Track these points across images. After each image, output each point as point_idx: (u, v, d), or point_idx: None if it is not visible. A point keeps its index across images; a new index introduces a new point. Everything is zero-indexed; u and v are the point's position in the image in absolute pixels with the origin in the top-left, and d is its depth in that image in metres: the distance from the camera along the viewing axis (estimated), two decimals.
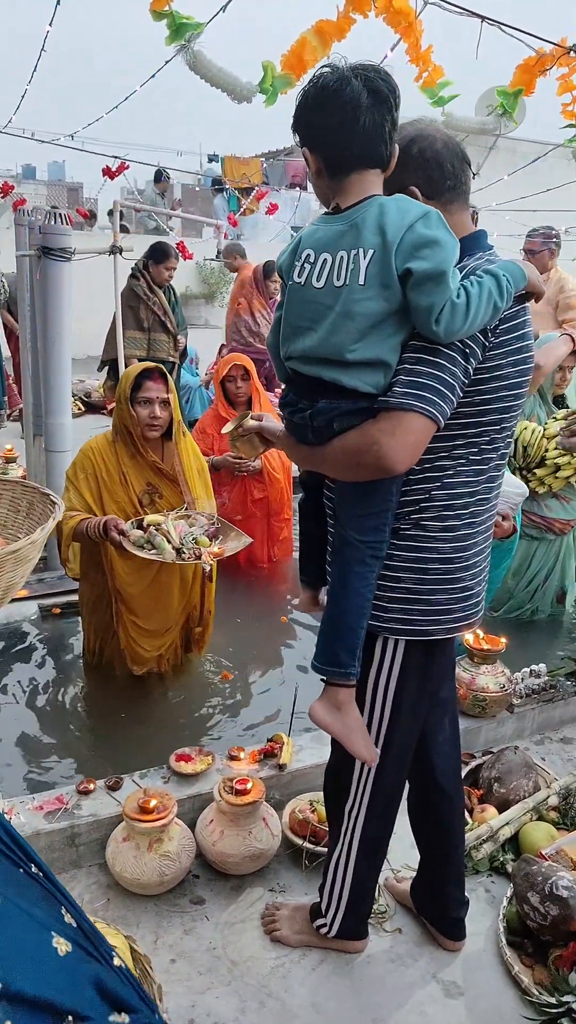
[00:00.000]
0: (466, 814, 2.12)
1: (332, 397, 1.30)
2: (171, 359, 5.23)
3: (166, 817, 1.89)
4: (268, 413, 1.80)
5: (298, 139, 1.30)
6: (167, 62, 3.47)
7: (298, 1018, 1.65)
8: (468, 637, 2.57)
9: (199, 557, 2.45)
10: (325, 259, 1.27)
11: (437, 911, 1.84)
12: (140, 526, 2.52)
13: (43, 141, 6.98)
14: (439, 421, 1.25)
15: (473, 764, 2.39)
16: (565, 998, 1.61)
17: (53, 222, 3.24)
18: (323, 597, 1.60)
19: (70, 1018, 0.45)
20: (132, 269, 5.09)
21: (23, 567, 1.50)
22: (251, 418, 1.69)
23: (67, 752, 2.53)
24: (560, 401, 3.34)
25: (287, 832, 2.06)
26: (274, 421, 1.68)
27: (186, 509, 2.67)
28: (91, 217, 10.97)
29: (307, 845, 2.01)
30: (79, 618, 2.96)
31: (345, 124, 1.21)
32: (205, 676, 3.00)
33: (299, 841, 2.02)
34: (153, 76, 3.84)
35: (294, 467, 3.09)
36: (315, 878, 1.90)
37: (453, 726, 1.75)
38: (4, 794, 2.15)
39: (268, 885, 2.00)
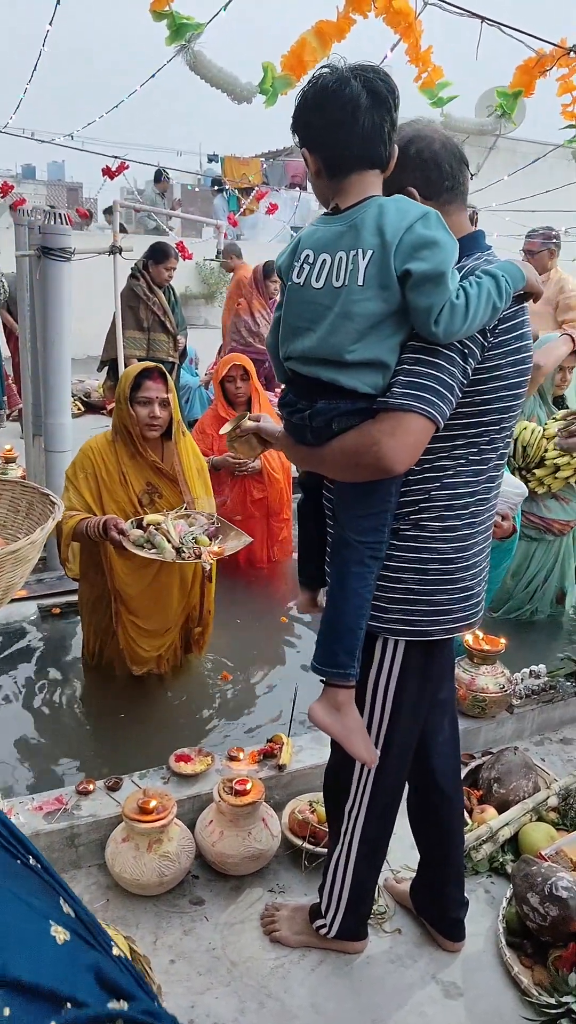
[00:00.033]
0: (466, 815, 2.12)
1: (331, 397, 1.30)
2: (171, 359, 5.23)
3: (165, 818, 1.88)
4: (267, 414, 1.80)
5: (297, 140, 1.30)
6: (167, 62, 3.47)
7: (297, 1019, 1.65)
8: (468, 638, 2.57)
9: (199, 556, 2.45)
10: (324, 260, 1.27)
11: (437, 912, 1.84)
12: (140, 525, 2.52)
13: (43, 141, 6.98)
14: (438, 421, 1.25)
15: (473, 765, 2.39)
16: (564, 999, 1.60)
17: (53, 222, 3.24)
18: (322, 598, 1.60)
19: (68, 1004, 0.45)
20: (132, 269, 5.09)
21: (23, 567, 1.50)
22: (248, 419, 1.69)
23: (67, 752, 2.53)
24: (560, 402, 3.34)
25: (287, 833, 2.06)
26: (272, 422, 1.68)
27: (186, 509, 2.67)
28: (89, 217, 10.98)
29: (307, 846, 2.00)
30: (79, 618, 2.95)
31: (344, 124, 1.21)
32: (205, 677, 3.00)
33: (299, 842, 2.02)
34: (153, 76, 3.85)
35: (294, 467, 3.09)
36: (315, 879, 1.90)
37: (452, 727, 1.75)
38: (4, 794, 2.15)
39: (268, 886, 2.00)
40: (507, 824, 2.11)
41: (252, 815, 1.97)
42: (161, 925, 1.86)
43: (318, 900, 1.78)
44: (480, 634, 2.59)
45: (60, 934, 0.51)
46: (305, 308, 1.31)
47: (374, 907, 1.87)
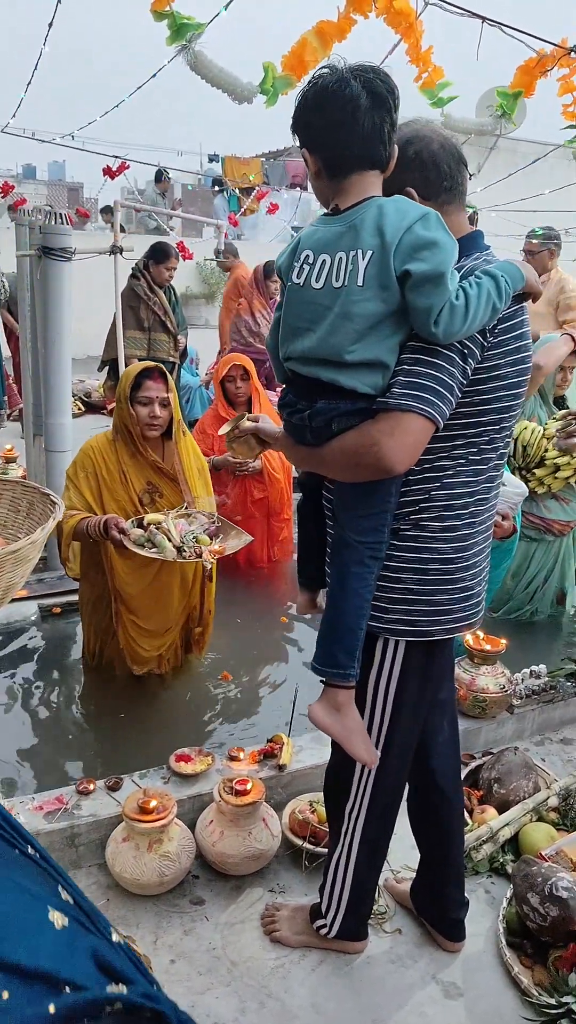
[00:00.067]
0: (466, 815, 2.12)
1: (330, 398, 1.30)
2: (171, 359, 5.23)
3: (166, 817, 1.88)
4: (265, 414, 1.80)
5: (297, 140, 1.30)
6: (168, 62, 3.47)
7: (298, 1019, 1.65)
8: (468, 638, 2.57)
9: (200, 555, 2.45)
10: (324, 260, 1.27)
11: (437, 912, 1.84)
12: (140, 525, 2.52)
13: (43, 141, 6.97)
14: (438, 422, 1.25)
15: (473, 765, 2.39)
16: (565, 999, 1.60)
17: (53, 222, 3.24)
18: (321, 599, 1.60)
19: (67, 988, 0.45)
20: (132, 269, 5.09)
21: (23, 567, 1.50)
22: (247, 419, 1.69)
23: (67, 752, 2.53)
24: (561, 402, 3.34)
25: (287, 833, 2.06)
26: (270, 422, 1.68)
27: (186, 508, 2.67)
28: (89, 217, 10.98)
29: (307, 846, 2.01)
30: (79, 618, 2.96)
31: (344, 125, 1.21)
32: (205, 676, 3.00)
33: (299, 842, 2.02)
34: (153, 76, 3.84)
35: (294, 467, 3.09)
36: (315, 879, 1.90)
37: (452, 727, 1.75)
38: (4, 794, 2.15)
39: (268, 886, 2.00)
40: (507, 824, 2.11)
41: (252, 815, 1.97)
42: (161, 925, 1.86)
43: (318, 900, 1.78)
44: (480, 634, 2.59)
45: (58, 919, 0.51)
46: (305, 308, 1.31)
47: (374, 907, 1.87)
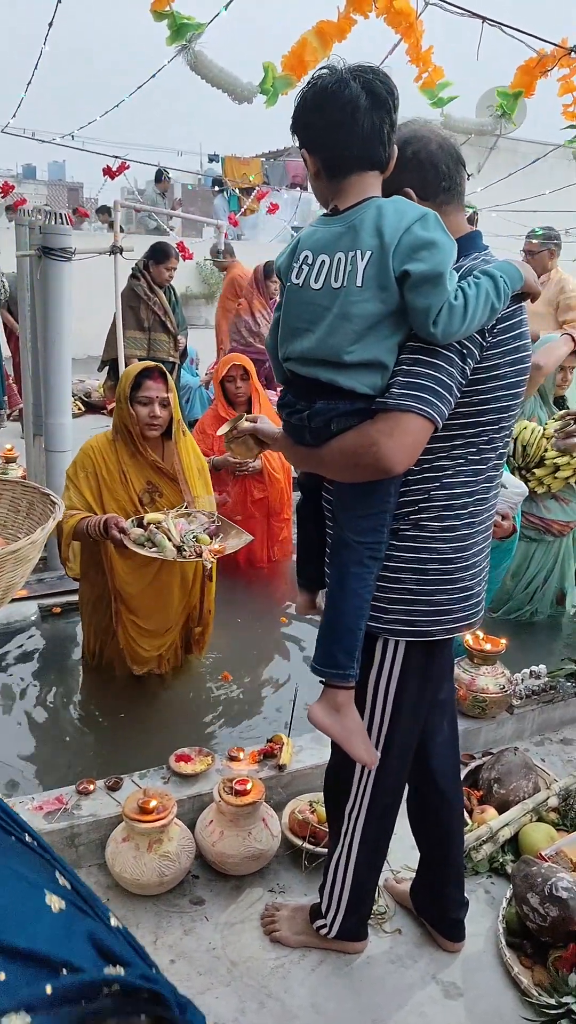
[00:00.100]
0: (466, 815, 2.12)
1: (329, 398, 1.30)
2: (171, 359, 5.23)
3: (166, 817, 1.89)
4: (264, 415, 1.80)
5: (297, 140, 1.30)
6: (168, 62, 3.47)
7: (298, 1019, 1.65)
8: (468, 638, 2.57)
9: (200, 555, 2.45)
10: (323, 260, 1.27)
11: (437, 912, 1.84)
12: (140, 524, 2.52)
13: (43, 141, 6.97)
14: (437, 422, 1.25)
15: (473, 765, 2.39)
16: (564, 999, 1.60)
17: (53, 222, 3.24)
18: (320, 600, 1.60)
19: (64, 970, 0.46)
20: (132, 269, 5.09)
21: (23, 567, 1.50)
22: (246, 420, 1.69)
23: (67, 752, 2.53)
24: (561, 402, 3.34)
25: (287, 833, 2.06)
26: (269, 423, 1.68)
27: (186, 507, 2.67)
28: (89, 216, 10.97)
29: (307, 846, 2.01)
30: (79, 618, 2.96)
31: (344, 125, 1.22)
32: (205, 677, 3.00)
33: (299, 842, 2.02)
34: (153, 76, 3.84)
35: (293, 468, 3.09)
36: (315, 879, 1.90)
37: (452, 727, 1.75)
38: (4, 794, 2.15)
39: (268, 886, 2.00)
40: (507, 824, 2.11)
41: (252, 815, 1.97)
42: (161, 925, 1.86)
43: (318, 900, 1.78)
44: (480, 634, 2.59)
45: (55, 903, 0.51)
46: (304, 309, 1.31)
47: (374, 907, 1.87)
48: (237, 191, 10.69)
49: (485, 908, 1.96)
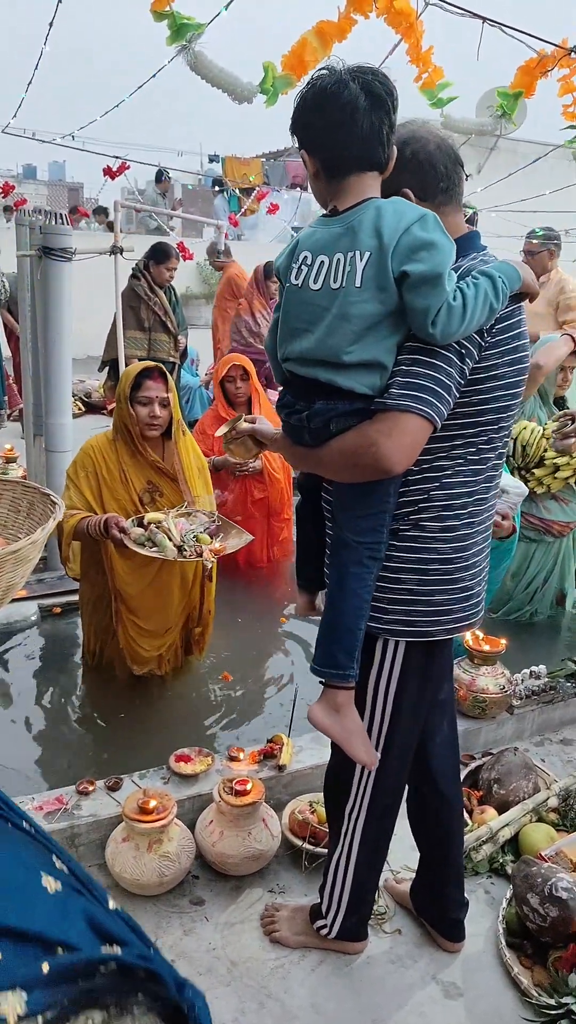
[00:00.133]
0: (466, 815, 2.12)
1: (329, 398, 1.30)
2: (171, 359, 5.23)
3: (166, 818, 1.89)
4: (263, 416, 1.81)
5: (296, 141, 1.30)
6: (168, 62, 3.47)
7: (297, 1019, 1.65)
8: (468, 638, 2.57)
9: (200, 554, 2.45)
10: (322, 261, 1.27)
11: (437, 912, 1.84)
12: (141, 524, 2.52)
13: (44, 141, 6.97)
14: (436, 422, 1.25)
15: (473, 765, 2.39)
16: (564, 1000, 1.60)
17: (54, 222, 3.24)
18: (320, 602, 1.60)
19: (60, 949, 0.46)
20: (133, 269, 5.09)
21: (23, 567, 1.50)
22: (244, 420, 1.69)
23: (67, 752, 2.54)
24: (561, 402, 3.34)
25: (287, 833, 2.06)
26: (267, 423, 1.69)
27: (187, 507, 2.67)
28: (89, 216, 10.97)
29: (307, 846, 2.01)
30: (79, 618, 2.96)
31: (343, 126, 1.22)
32: (205, 677, 3.00)
33: (299, 842, 2.02)
34: (154, 76, 3.84)
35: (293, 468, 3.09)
36: (315, 879, 1.90)
37: (451, 727, 1.75)
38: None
39: (268, 886, 2.00)
40: (507, 825, 2.11)
41: (252, 815, 1.97)
42: (161, 925, 1.86)
43: (318, 900, 1.78)
44: (480, 635, 2.59)
45: (51, 884, 0.51)
46: (303, 309, 1.31)
47: (374, 907, 1.87)
48: (237, 191, 10.69)
49: (485, 908, 1.96)
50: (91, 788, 2.07)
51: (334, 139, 1.23)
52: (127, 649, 2.71)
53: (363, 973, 1.77)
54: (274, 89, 3.52)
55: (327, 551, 1.52)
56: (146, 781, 2.13)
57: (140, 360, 4.49)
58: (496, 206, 6.71)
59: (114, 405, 2.76)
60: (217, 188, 11.05)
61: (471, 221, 4.45)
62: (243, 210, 10.08)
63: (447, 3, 3.21)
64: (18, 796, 2.11)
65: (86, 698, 2.83)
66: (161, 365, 2.67)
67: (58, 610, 3.32)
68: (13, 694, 2.82)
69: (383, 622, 1.43)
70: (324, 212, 1.32)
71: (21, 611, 3.24)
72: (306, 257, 1.30)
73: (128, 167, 5.88)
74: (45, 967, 0.44)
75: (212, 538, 2.56)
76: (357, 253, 1.23)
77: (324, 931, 1.77)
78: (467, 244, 1.37)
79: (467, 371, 1.29)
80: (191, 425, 3.78)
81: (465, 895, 1.84)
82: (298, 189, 11.44)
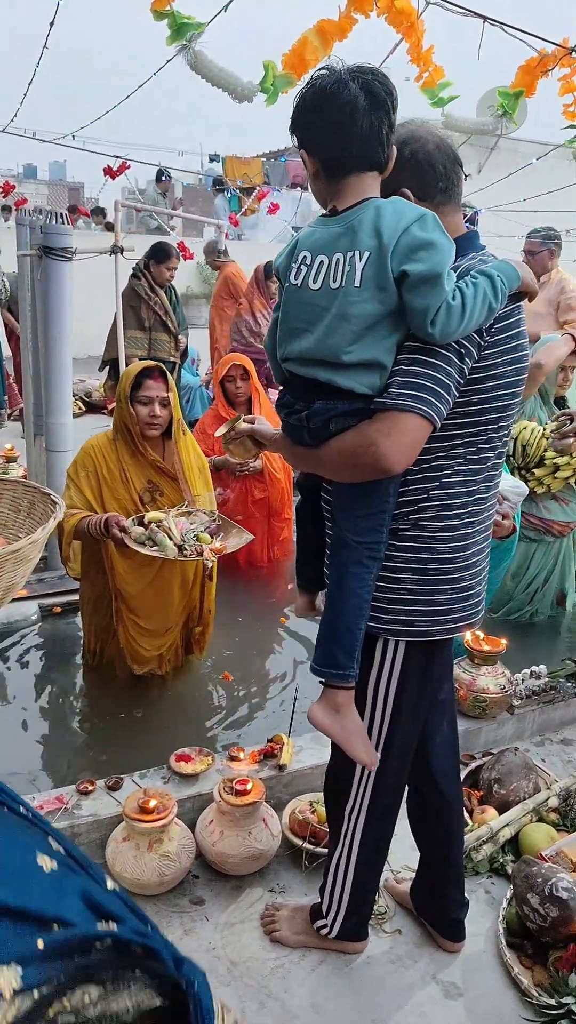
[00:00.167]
0: (466, 815, 2.12)
1: (328, 398, 1.30)
2: (172, 359, 5.23)
3: (166, 817, 1.88)
4: (262, 416, 1.81)
5: (296, 141, 1.30)
6: (168, 62, 3.47)
7: (298, 1019, 1.65)
8: (468, 638, 2.57)
9: (201, 553, 2.45)
10: (322, 261, 1.27)
11: (437, 912, 1.84)
12: (141, 523, 2.52)
13: (44, 141, 6.98)
14: (435, 421, 1.25)
15: (473, 765, 2.39)
16: (565, 1000, 1.60)
17: (54, 222, 3.24)
18: (320, 602, 1.60)
19: (55, 926, 0.46)
20: (133, 269, 5.09)
21: (24, 567, 1.50)
22: (243, 421, 1.69)
23: (67, 752, 2.54)
24: (561, 402, 3.34)
25: (287, 833, 2.06)
26: (266, 423, 1.69)
27: (187, 506, 2.67)
28: (90, 216, 10.97)
29: (307, 846, 2.01)
30: (79, 618, 2.96)
31: (343, 126, 1.22)
32: (205, 676, 3.00)
33: (299, 842, 2.02)
34: (154, 75, 3.84)
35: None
36: (315, 879, 1.90)
37: (452, 727, 1.75)
38: None
39: (268, 886, 2.00)
40: (507, 825, 2.11)
41: (252, 815, 1.97)
42: (161, 925, 1.86)
43: (318, 900, 1.78)
44: (481, 635, 2.59)
45: (47, 863, 0.52)
46: (302, 309, 1.31)
47: (375, 907, 1.87)
48: (238, 191, 10.70)
49: (485, 908, 1.95)
50: (91, 788, 2.07)
51: (333, 139, 1.23)
52: (127, 648, 2.71)
53: (363, 973, 1.77)
54: (274, 88, 3.52)
55: (327, 551, 1.51)
56: (146, 781, 2.13)
57: (140, 360, 4.49)
58: (496, 206, 6.70)
59: (114, 405, 2.76)
60: (218, 188, 11.05)
61: (472, 221, 4.45)
62: (243, 210, 10.08)
63: (448, 2, 3.21)
64: None
65: (86, 698, 2.83)
66: (161, 364, 2.68)
67: (58, 610, 3.32)
68: (13, 694, 2.82)
69: (383, 622, 1.43)
70: (324, 212, 1.32)
71: (21, 611, 3.24)
72: (305, 257, 1.30)
73: (128, 167, 5.89)
74: (40, 943, 0.44)
75: (212, 537, 2.56)
76: (356, 253, 1.22)
77: (324, 931, 1.77)
78: (466, 244, 1.37)
79: (466, 371, 1.29)
80: (192, 425, 3.79)
81: (465, 895, 1.84)
82: (298, 189, 11.44)
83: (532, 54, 3.62)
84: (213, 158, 14.06)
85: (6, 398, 6.76)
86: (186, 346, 5.53)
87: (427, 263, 1.19)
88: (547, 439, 3.12)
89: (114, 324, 4.64)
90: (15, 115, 5.72)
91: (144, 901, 1.91)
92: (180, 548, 2.44)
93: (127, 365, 4.13)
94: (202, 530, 2.56)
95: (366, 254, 1.22)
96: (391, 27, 3.36)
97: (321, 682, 1.42)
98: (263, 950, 1.80)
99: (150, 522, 2.51)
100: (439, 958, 1.82)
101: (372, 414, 1.27)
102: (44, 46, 3.96)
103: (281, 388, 1.44)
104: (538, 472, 3.16)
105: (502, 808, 2.19)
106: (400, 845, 1.90)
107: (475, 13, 3.28)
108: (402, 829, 1.75)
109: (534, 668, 2.73)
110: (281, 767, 2.19)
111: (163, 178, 10.59)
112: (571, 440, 3.05)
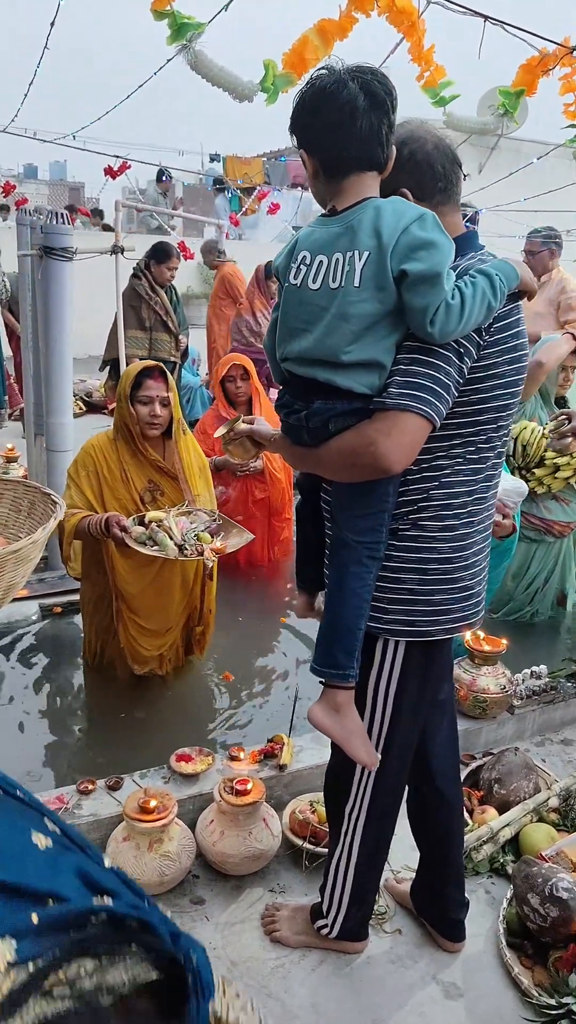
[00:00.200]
0: (466, 815, 2.11)
1: (327, 398, 1.30)
2: (172, 359, 5.24)
3: (166, 817, 1.89)
4: (262, 416, 1.81)
5: (295, 141, 1.30)
6: (168, 62, 3.47)
7: (298, 1019, 1.65)
8: (468, 638, 2.57)
9: (201, 553, 2.45)
10: (321, 261, 1.27)
11: (437, 912, 1.84)
12: (142, 523, 2.52)
13: (45, 141, 6.98)
14: (435, 421, 1.25)
15: (473, 765, 2.39)
16: (565, 1000, 1.60)
17: (55, 222, 3.24)
18: (319, 603, 1.60)
19: (50, 901, 0.47)
20: (134, 269, 5.09)
21: (24, 567, 1.51)
22: (243, 421, 1.69)
23: (67, 752, 2.54)
24: (562, 402, 3.34)
25: (287, 833, 2.06)
26: (266, 424, 1.69)
27: (188, 506, 2.67)
28: (91, 216, 10.97)
29: (307, 846, 2.01)
30: (80, 618, 2.96)
31: (342, 126, 1.21)
32: (205, 676, 3.00)
33: (299, 842, 2.02)
34: (154, 75, 3.84)
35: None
36: (315, 879, 1.90)
37: (452, 727, 1.75)
38: None
39: (268, 885, 2.00)
40: (508, 825, 2.11)
41: (253, 815, 1.97)
42: None
43: (319, 900, 1.78)
44: (481, 635, 2.59)
45: (41, 841, 0.52)
46: (302, 309, 1.31)
47: (375, 907, 1.87)
48: (238, 191, 10.69)
49: (485, 908, 1.95)
50: (92, 787, 2.07)
51: (333, 139, 1.23)
52: (128, 648, 2.71)
53: (363, 973, 1.77)
54: (275, 87, 3.52)
55: (327, 551, 1.51)
56: (147, 780, 2.13)
57: (141, 359, 4.49)
58: (497, 206, 6.70)
59: (115, 404, 2.76)
60: (218, 187, 11.04)
61: (472, 221, 4.45)
62: (244, 210, 10.07)
63: (449, 1, 3.20)
64: None
65: (87, 698, 2.83)
66: (162, 364, 2.68)
67: (59, 610, 3.32)
68: (13, 694, 2.82)
69: (383, 622, 1.42)
70: (323, 212, 1.32)
71: (22, 611, 3.24)
72: (305, 257, 1.30)
73: (129, 166, 5.89)
74: (35, 917, 0.44)
75: (213, 537, 2.56)
76: (356, 253, 1.22)
77: (325, 931, 1.77)
78: (465, 244, 1.37)
79: (466, 370, 1.29)
80: (192, 425, 3.79)
81: (465, 895, 1.84)
82: (299, 189, 11.44)
83: (533, 53, 3.62)
84: (213, 158, 14.06)
85: (6, 398, 6.76)
86: (187, 346, 5.53)
87: (426, 262, 1.19)
88: (547, 439, 3.12)
89: (114, 324, 4.64)
90: (16, 115, 5.73)
91: None
92: (181, 548, 2.44)
93: (127, 365, 4.13)
94: (202, 530, 2.56)
95: (365, 254, 1.22)
96: (392, 26, 3.36)
97: (321, 682, 1.42)
98: (263, 950, 1.80)
99: (150, 522, 2.51)
100: (439, 958, 1.82)
101: (371, 414, 1.27)
102: (45, 46, 3.96)
103: (281, 388, 1.44)
104: (538, 472, 3.16)
105: (502, 808, 2.19)
106: (400, 845, 1.90)
107: (476, 12, 3.27)
108: (402, 829, 1.75)
109: (534, 668, 2.73)
110: (281, 767, 2.19)
111: (163, 178, 10.59)
112: (569, 440, 3.05)
